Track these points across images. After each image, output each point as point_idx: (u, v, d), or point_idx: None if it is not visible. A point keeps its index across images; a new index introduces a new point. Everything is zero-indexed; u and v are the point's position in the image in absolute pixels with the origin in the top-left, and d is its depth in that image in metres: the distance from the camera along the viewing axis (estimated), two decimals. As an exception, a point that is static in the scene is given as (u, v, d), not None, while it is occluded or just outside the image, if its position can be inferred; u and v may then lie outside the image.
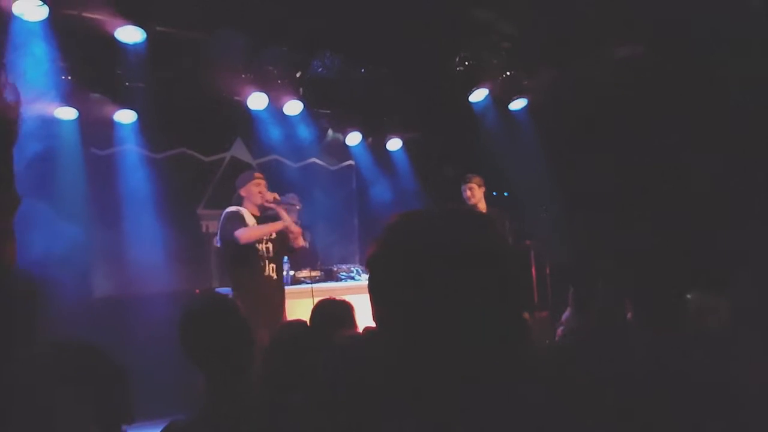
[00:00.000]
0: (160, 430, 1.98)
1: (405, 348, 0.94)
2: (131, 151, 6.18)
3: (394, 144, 7.36)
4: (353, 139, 7.22)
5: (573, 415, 0.96)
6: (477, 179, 5.80)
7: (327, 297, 3.23)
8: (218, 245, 4.79)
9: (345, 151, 7.51)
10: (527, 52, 6.31)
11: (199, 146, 6.77)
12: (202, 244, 6.73)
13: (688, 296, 2.75)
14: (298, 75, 6.08)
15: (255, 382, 2.28)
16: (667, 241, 5.05)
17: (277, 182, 6.73)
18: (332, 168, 7.69)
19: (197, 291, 5.50)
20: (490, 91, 6.64)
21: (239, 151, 7.04)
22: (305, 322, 2.59)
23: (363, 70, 6.11)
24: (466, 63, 6.42)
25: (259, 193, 4.80)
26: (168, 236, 6.01)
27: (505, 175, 6.92)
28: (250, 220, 4.70)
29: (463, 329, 0.90)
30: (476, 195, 5.77)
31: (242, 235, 4.54)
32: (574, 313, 3.09)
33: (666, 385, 1.69)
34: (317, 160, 7.50)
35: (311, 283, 5.45)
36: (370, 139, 7.40)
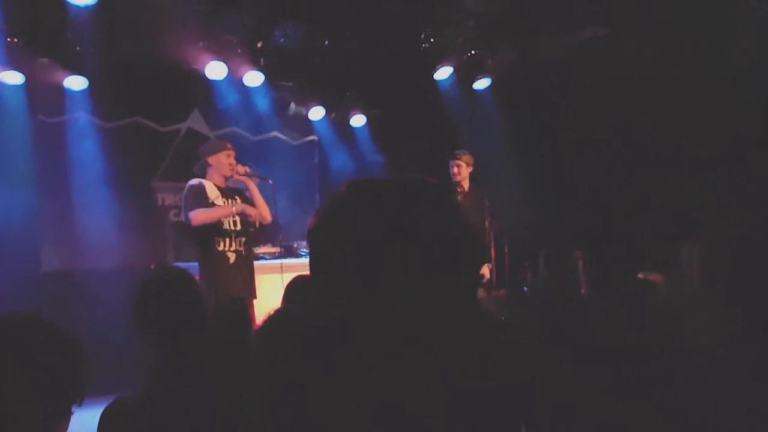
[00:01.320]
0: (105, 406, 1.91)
1: (345, 326, 0.88)
2: (82, 119, 5.94)
3: (358, 120, 7.26)
4: (316, 113, 7.08)
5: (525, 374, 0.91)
6: (467, 157, 5.75)
7: (302, 274, 3.14)
8: (183, 219, 4.62)
9: (307, 125, 7.37)
10: (492, 31, 6.26)
11: (155, 116, 6.53)
12: (157, 218, 6.53)
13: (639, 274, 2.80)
14: (259, 45, 5.90)
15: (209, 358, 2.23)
16: (624, 220, 5.11)
17: (235, 156, 6.58)
18: (294, 142, 7.54)
19: (152, 266, 5.32)
20: (454, 69, 6.57)
21: (196, 122, 6.82)
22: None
23: (327, 42, 5.96)
24: (432, 40, 6.34)
25: (230, 164, 4.66)
26: (121, 209, 5.81)
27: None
28: (213, 192, 4.55)
29: (407, 308, 0.85)
30: (462, 173, 5.73)
31: (194, 217, 4.40)
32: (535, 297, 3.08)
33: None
34: (278, 134, 7.33)
35: (270, 259, 5.35)
36: (333, 114, 7.27)
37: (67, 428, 1.45)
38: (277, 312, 1.89)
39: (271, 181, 4.97)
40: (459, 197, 5.69)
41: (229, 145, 4.75)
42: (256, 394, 1.67)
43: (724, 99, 4.92)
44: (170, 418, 1.85)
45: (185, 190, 4.56)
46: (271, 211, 4.84)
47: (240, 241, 4.62)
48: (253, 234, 4.82)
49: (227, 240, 4.57)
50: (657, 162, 5.46)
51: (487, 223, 5.73)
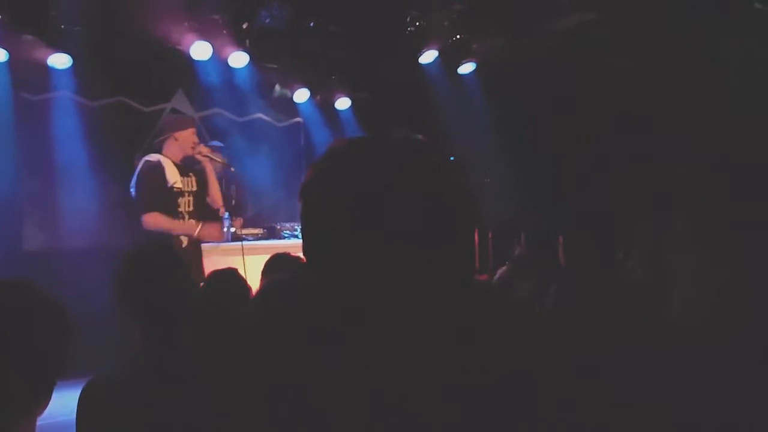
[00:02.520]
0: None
1: (336, 283, 0.86)
2: (66, 97, 5.90)
3: (343, 103, 7.26)
4: (301, 95, 7.06)
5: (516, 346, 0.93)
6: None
7: (281, 252, 3.18)
8: (132, 192, 4.54)
9: (292, 107, 7.36)
10: (478, 16, 6.27)
11: (138, 96, 6.49)
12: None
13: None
14: (244, 26, 5.88)
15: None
16: (608, 204, 5.18)
17: (220, 137, 6.58)
18: (279, 124, 7.53)
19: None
20: (439, 53, 6.58)
21: (180, 102, 6.79)
22: (235, 269, 2.54)
23: (312, 24, 5.94)
24: (417, 23, 6.34)
25: (194, 142, 4.63)
26: (103, 188, 5.80)
27: (452, 139, 6.93)
28: (172, 176, 4.50)
29: (403, 260, 0.83)
30: None
31: (148, 221, 4.34)
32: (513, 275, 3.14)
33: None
34: (263, 116, 7.32)
35: (253, 240, 5.37)
36: (318, 97, 7.26)
37: (49, 401, 1.42)
38: (270, 283, 1.93)
39: (233, 169, 4.97)
40: None
41: (194, 122, 4.74)
42: (249, 361, 1.70)
43: (712, 85, 4.98)
44: (154, 393, 1.84)
45: (141, 166, 4.47)
46: (229, 196, 4.83)
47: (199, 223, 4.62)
48: (204, 218, 4.78)
49: (198, 223, 4.59)
50: (643, 148, 5.52)
51: None
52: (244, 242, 5.30)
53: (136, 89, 6.42)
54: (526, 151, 6.47)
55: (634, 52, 5.43)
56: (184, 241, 4.54)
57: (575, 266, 2.67)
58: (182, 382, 1.86)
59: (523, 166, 6.43)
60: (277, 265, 2.94)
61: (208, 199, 4.78)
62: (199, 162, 4.73)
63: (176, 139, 4.58)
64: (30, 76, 5.67)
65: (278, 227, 5.96)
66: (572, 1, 5.78)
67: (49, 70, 5.64)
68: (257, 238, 5.56)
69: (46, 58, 5.53)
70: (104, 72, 5.87)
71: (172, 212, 4.47)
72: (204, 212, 4.75)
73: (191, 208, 4.58)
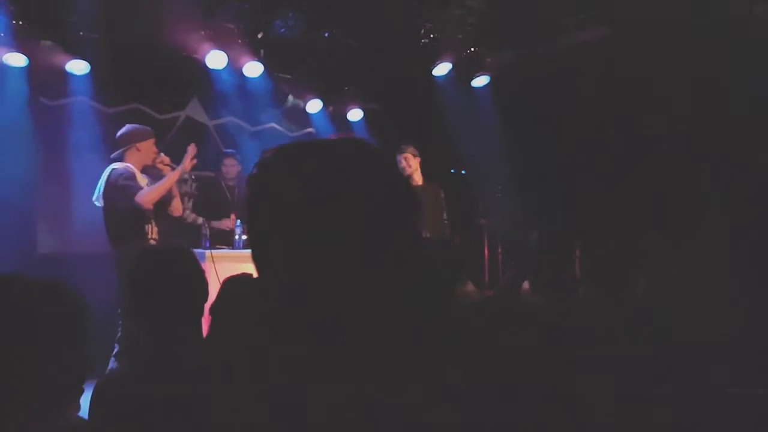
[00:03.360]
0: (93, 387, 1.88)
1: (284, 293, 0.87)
2: (83, 103, 5.98)
3: (355, 114, 7.29)
4: (314, 106, 7.11)
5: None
6: (411, 149, 5.77)
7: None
8: (100, 204, 4.54)
9: (305, 117, 7.41)
10: (492, 30, 6.30)
11: (154, 103, 6.56)
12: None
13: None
14: (259, 36, 5.94)
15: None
16: (620, 218, 5.18)
17: (233, 145, 6.64)
18: (291, 134, 7.58)
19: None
20: (453, 66, 6.61)
21: (195, 110, 6.87)
22: (250, 275, 2.54)
23: (326, 35, 6.00)
24: (431, 36, 6.38)
25: (155, 152, 4.68)
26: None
27: (464, 152, 6.95)
28: (141, 179, 4.54)
29: (347, 264, 0.83)
30: (411, 165, 5.72)
31: (145, 199, 4.35)
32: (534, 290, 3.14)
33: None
34: (276, 125, 7.38)
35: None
36: (330, 108, 7.30)
37: (80, 406, 1.43)
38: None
39: (193, 177, 4.96)
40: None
41: (153, 133, 4.78)
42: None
43: (725, 100, 4.98)
44: (166, 391, 1.85)
45: (113, 176, 4.45)
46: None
47: (155, 230, 4.62)
48: (164, 224, 4.79)
49: (151, 227, 4.56)
50: (654, 161, 5.51)
51: (444, 215, 5.75)
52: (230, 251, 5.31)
53: (152, 96, 6.50)
54: (538, 164, 6.47)
55: (645, 65, 5.44)
56: (152, 233, 4.56)
57: (591, 280, 2.68)
58: (191, 382, 1.87)
59: (536, 178, 6.43)
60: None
61: (170, 208, 4.78)
62: (159, 171, 4.73)
63: (138, 150, 4.62)
64: (48, 82, 5.74)
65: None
66: (585, 17, 5.80)
67: (67, 76, 5.72)
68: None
69: (65, 63, 5.61)
70: (121, 79, 5.95)
71: (146, 217, 4.49)
72: (162, 219, 4.75)
73: (153, 215, 4.59)
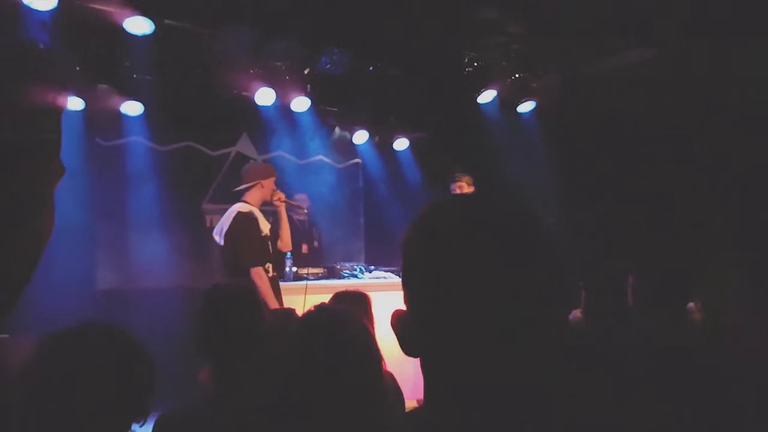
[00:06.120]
0: (155, 420, 1.92)
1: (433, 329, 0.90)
2: (137, 142, 6.18)
3: (401, 143, 7.34)
4: (360, 137, 7.19)
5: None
6: (467, 178, 5.77)
7: (345, 289, 3.23)
8: (221, 243, 4.70)
9: (352, 149, 7.49)
10: (536, 54, 6.28)
11: (205, 140, 6.75)
12: (206, 239, 6.69)
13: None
14: (306, 72, 6.05)
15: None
16: (672, 245, 5.04)
17: (282, 179, 6.73)
18: (339, 166, 7.67)
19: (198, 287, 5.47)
20: (498, 93, 6.60)
21: (245, 146, 7.02)
22: (293, 310, 2.57)
23: (372, 68, 6.07)
24: (475, 64, 6.39)
25: (274, 189, 4.80)
26: (172, 230, 6.00)
27: (512, 178, 6.88)
28: (264, 224, 4.70)
29: (494, 316, 0.86)
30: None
31: (256, 278, 4.47)
32: (587, 319, 3.06)
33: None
34: (323, 158, 7.48)
35: (314, 280, 5.43)
36: (377, 138, 7.37)
37: None
38: (319, 307, 1.95)
39: (305, 210, 5.08)
40: None
41: (275, 171, 4.91)
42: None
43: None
44: (223, 428, 1.88)
45: (235, 217, 4.62)
46: (312, 239, 4.95)
47: (271, 267, 4.75)
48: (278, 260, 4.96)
49: (271, 266, 4.73)
50: (706, 186, 5.38)
51: None
52: (307, 282, 5.38)
53: (204, 134, 6.68)
54: (587, 190, 6.37)
55: (692, 86, 5.34)
56: (270, 269, 4.68)
57: (644, 307, 2.62)
58: (251, 419, 1.88)
59: (584, 205, 6.33)
60: (341, 301, 2.98)
61: (280, 243, 4.92)
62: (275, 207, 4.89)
63: (263, 187, 4.77)
64: (104, 123, 5.95)
65: (338, 267, 6.02)
66: (630, 38, 5.73)
67: (121, 117, 5.92)
68: (318, 277, 5.62)
69: (119, 105, 5.81)
70: (173, 117, 6.12)
71: (268, 256, 4.66)
72: (277, 255, 4.92)
73: (271, 252, 4.75)
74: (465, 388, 0.88)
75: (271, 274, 4.72)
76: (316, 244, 5.84)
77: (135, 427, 1.51)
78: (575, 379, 0.89)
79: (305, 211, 5.22)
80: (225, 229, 4.65)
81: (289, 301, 4.86)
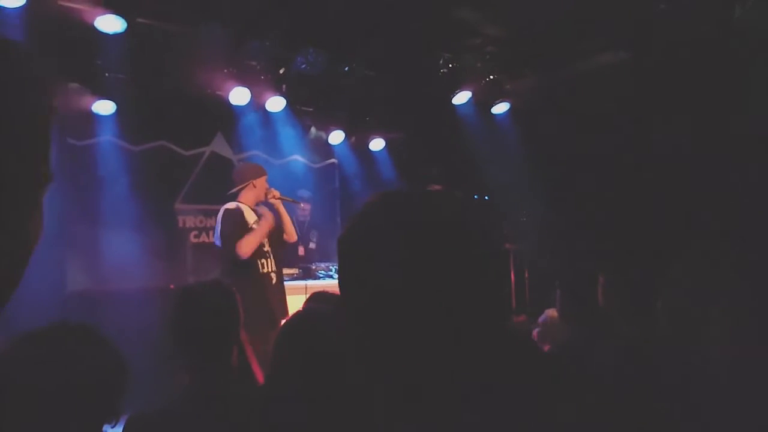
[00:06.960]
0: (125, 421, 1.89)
1: (374, 330, 0.90)
2: (109, 142, 6.09)
3: (377, 144, 7.35)
4: (336, 137, 7.18)
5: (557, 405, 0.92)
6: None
7: (320, 290, 3.21)
8: (217, 244, 4.65)
9: (328, 149, 7.48)
10: (511, 56, 6.32)
11: (179, 140, 6.67)
12: (179, 240, 6.64)
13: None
14: (281, 71, 6.03)
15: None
16: (645, 245, 5.10)
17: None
18: (315, 166, 7.65)
19: (171, 286, 5.41)
20: (473, 94, 6.64)
21: (220, 146, 6.96)
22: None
23: (347, 68, 6.07)
24: (450, 65, 6.42)
25: (266, 188, 4.79)
26: (144, 230, 5.92)
27: (486, 179, 6.93)
28: (250, 217, 4.65)
29: (438, 311, 0.86)
30: None
31: (243, 250, 4.42)
32: (562, 322, 3.08)
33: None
34: (299, 158, 7.45)
35: (289, 280, 5.41)
36: (353, 138, 7.37)
37: None
38: (304, 310, 1.95)
39: (302, 204, 5.07)
40: None
41: (265, 170, 4.91)
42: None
43: (748, 124, 4.91)
44: (194, 427, 1.87)
45: (223, 215, 4.59)
46: (307, 240, 4.94)
47: (274, 262, 4.74)
48: (281, 253, 4.92)
49: (268, 261, 4.68)
50: (679, 187, 5.45)
51: None
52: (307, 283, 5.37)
53: (177, 133, 6.60)
54: (560, 190, 6.43)
55: (666, 89, 5.41)
56: (273, 278, 4.69)
57: (613, 307, 2.64)
58: (225, 420, 1.87)
59: (558, 205, 6.39)
60: (318, 301, 2.97)
61: (285, 236, 4.91)
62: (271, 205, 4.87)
63: (254, 186, 4.76)
64: (75, 123, 5.85)
65: (313, 267, 6.01)
66: (605, 41, 5.80)
67: (93, 116, 5.84)
68: (293, 278, 5.61)
69: (91, 104, 5.73)
70: (146, 117, 6.05)
71: (261, 252, 4.62)
72: (279, 248, 4.88)
73: (267, 249, 4.70)
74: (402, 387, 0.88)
75: (266, 270, 4.67)
76: (310, 245, 5.82)
77: (107, 428, 1.50)
78: (536, 378, 0.90)
79: (302, 206, 5.19)
80: (218, 229, 4.64)
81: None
